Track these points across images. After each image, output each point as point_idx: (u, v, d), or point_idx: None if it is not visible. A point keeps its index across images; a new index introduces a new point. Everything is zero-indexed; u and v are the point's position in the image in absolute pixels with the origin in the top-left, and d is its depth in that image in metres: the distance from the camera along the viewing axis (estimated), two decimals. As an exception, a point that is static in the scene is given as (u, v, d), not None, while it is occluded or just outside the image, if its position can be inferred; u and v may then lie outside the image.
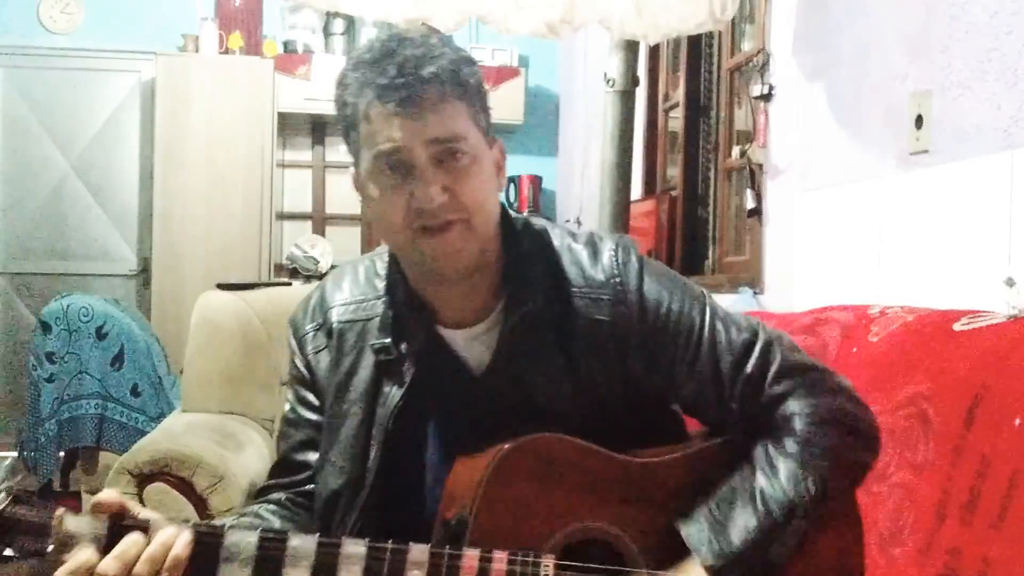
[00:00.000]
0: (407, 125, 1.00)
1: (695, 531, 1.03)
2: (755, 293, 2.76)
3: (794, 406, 1.06)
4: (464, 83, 1.03)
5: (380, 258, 1.17)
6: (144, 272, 5.19)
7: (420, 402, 1.11)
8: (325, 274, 5.02)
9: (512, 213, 1.15)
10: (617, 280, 1.09)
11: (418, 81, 0.99)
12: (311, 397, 1.19)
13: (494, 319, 1.11)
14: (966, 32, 1.79)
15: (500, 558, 0.96)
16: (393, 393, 1.10)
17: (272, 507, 1.14)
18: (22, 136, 5.20)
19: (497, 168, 1.09)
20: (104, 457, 3.39)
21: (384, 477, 1.09)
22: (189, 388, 2.30)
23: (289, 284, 4.09)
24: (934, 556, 1.20)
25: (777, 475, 1.03)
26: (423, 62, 1.00)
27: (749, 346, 1.08)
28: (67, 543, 0.87)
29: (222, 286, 2.54)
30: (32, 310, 5.06)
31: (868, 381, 1.48)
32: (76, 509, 0.91)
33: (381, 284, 1.15)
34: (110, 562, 0.87)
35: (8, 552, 0.85)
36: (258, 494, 1.20)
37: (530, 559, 0.97)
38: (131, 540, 0.89)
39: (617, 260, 1.11)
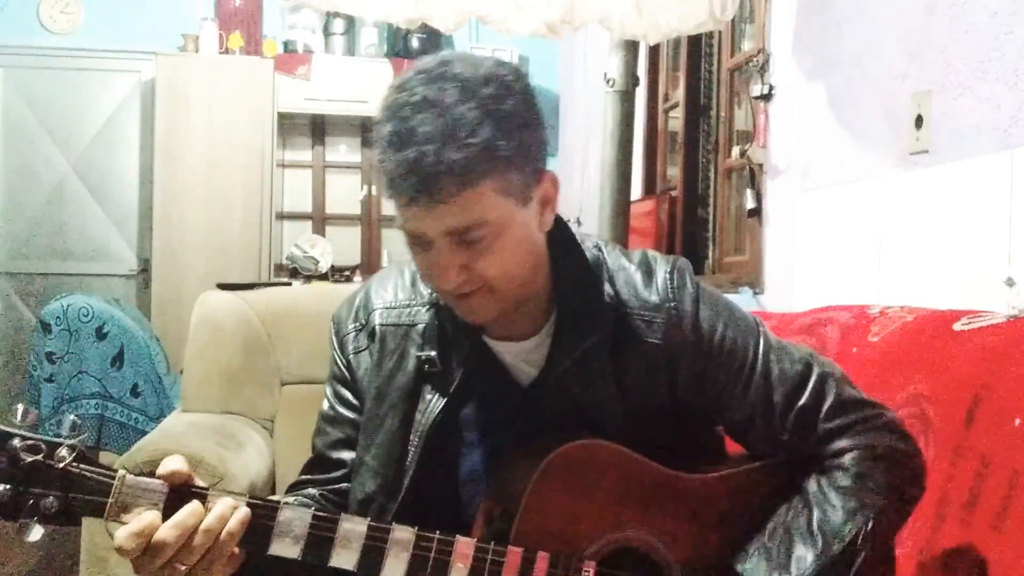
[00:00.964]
0: (422, 214, 0.94)
1: (751, 567, 1.03)
2: (755, 293, 2.76)
3: (847, 442, 1.06)
4: (494, 158, 0.93)
5: None
6: (144, 272, 5.19)
7: (462, 409, 1.11)
8: (325, 274, 5.04)
9: (571, 230, 1.12)
10: (672, 305, 1.08)
11: (435, 173, 0.91)
12: (350, 396, 1.18)
13: (544, 336, 1.10)
14: (966, 32, 1.79)
15: (543, 558, 0.97)
16: (435, 402, 1.09)
17: (305, 501, 1.14)
18: (22, 136, 5.20)
19: (543, 205, 1.03)
20: (104, 457, 3.39)
21: (420, 482, 1.09)
22: (189, 388, 2.30)
23: (289, 284, 4.09)
24: (934, 556, 1.20)
25: (834, 510, 1.03)
26: (443, 149, 0.91)
27: (803, 379, 1.08)
28: (126, 504, 0.88)
29: (222, 286, 2.54)
30: (32, 310, 5.07)
31: (868, 381, 1.48)
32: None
33: (427, 290, 1.13)
34: (169, 530, 0.87)
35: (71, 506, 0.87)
36: (290, 488, 1.20)
37: (571, 562, 0.98)
38: (190, 510, 0.89)
39: (672, 284, 1.09)
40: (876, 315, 1.63)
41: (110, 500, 0.87)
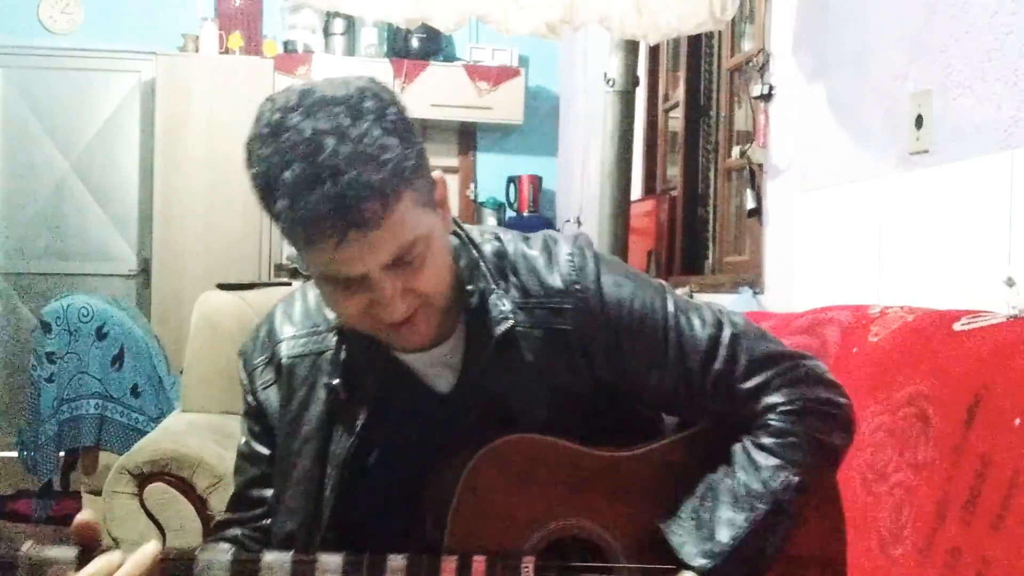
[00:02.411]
0: (356, 251, 0.89)
1: (682, 535, 1.03)
2: (755, 293, 2.76)
3: (769, 399, 1.07)
4: (407, 170, 0.89)
5: None
6: (144, 272, 5.19)
7: (382, 428, 1.07)
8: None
9: (464, 228, 1.10)
10: (577, 287, 1.06)
11: (361, 201, 0.86)
12: (263, 433, 1.15)
13: (456, 340, 1.07)
14: (966, 32, 1.79)
15: (479, 561, 0.96)
16: (344, 437, 1.07)
17: (226, 545, 1.10)
18: (22, 136, 5.19)
19: (442, 207, 1.00)
20: (104, 457, 3.39)
21: (342, 513, 1.07)
22: (189, 388, 2.31)
23: (289, 284, 4.09)
24: (934, 556, 1.21)
25: (758, 471, 1.04)
26: (363, 173, 0.86)
27: (714, 341, 1.07)
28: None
29: (222, 286, 2.54)
30: (32, 310, 5.06)
31: (868, 381, 1.48)
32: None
33: (332, 314, 1.09)
34: None
35: None
36: (216, 527, 1.19)
37: (509, 561, 0.97)
38: (106, 559, 0.89)
39: (574, 263, 1.08)
40: (876, 315, 1.63)
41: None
